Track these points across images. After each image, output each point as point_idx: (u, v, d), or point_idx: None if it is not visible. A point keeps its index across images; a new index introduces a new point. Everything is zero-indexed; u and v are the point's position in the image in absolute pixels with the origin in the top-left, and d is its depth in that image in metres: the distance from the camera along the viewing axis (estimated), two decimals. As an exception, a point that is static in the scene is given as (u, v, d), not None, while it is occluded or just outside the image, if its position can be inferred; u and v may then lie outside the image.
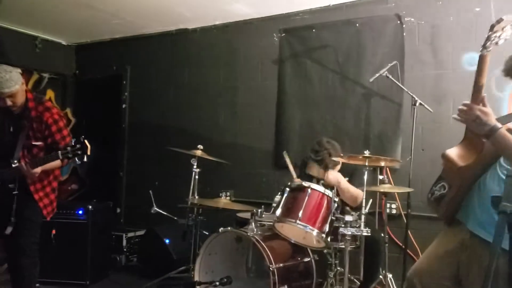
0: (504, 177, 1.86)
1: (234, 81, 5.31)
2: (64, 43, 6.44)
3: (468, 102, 1.93)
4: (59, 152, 2.93)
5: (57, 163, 3.16)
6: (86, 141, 2.91)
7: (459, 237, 2.09)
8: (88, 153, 2.92)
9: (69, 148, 2.91)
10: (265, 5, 4.82)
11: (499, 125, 1.88)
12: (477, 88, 1.92)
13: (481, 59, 1.95)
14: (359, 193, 3.65)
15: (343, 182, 3.68)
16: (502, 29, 1.86)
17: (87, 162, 2.99)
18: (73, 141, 2.93)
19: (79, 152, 2.90)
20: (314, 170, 3.89)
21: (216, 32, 5.46)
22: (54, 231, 4.27)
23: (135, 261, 5.15)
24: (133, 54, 6.10)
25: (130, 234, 5.25)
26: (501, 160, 1.99)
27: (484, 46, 1.92)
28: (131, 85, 6.14)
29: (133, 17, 5.34)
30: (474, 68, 4.11)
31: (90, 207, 4.43)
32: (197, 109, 5.53)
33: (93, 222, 4.43)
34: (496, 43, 1.90)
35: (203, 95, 5.50)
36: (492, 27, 1.89)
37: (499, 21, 1.86)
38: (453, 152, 2.12)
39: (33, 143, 3.20)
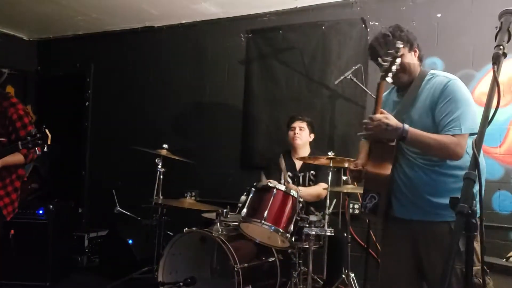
0: (421, 164, 2.15)
1: (201, 80, 5.29)
2: (25, 38, 6.26)
3: (370, 116, 2.10)
4: (19, 142, 2.84)
5: (19, 159, 3.07)
6: (47, 130, 2.83)
7: (407, 232, 2.22)
8: (49, 142, 2.84)
9: (29, 138, 2.83)
10: (232, 5, 4.82)
11: (406, 125, 2.07)
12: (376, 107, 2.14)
13: (379, 87, 2.19)
14: (319, 191, 3.77)
15: (302, 190, 3.72)
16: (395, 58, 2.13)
17: (49, 160, 2.91)
18: (34, 131, 2.86)
19: (39, 141, 2.82)
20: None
21: (183, 31, 5.43)
22: (12, 231, 4.14)
23: (97, 262, 5.05)
24: (97, 51, 5.99)
25: (92, 235, 5.16)
26: (403, 148, 2.21)
27: (385, 76, 2.15)
28: (95, 82, 6.02)
29: (97, 14, 5.25)
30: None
31: (51, 206, 4.32)
32: (163, 108, 5.48)
33: (54, 222, 4.33)
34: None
35: (169, 94, 5.46)
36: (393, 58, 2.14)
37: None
38: (370, 166, 2.29)
39: None
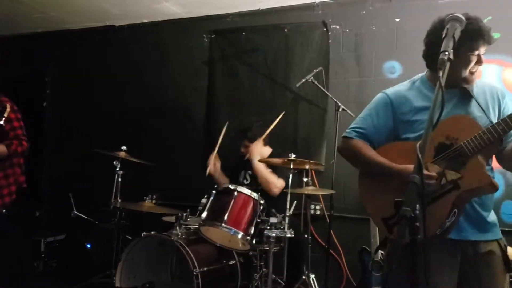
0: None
1: (163, 81, 5.22)
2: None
3: None
4: None
5: (1, 150, 3.16)
6: (8, 104, 3.00)
7: (455, 252, 1.89)
8: (5, 115, 2.95)
9: None
10: (195, 5, 4.79)
11: None
12: None
13: None
14: (272, 180, 3.78)
15: (260, 164, 3.81)
16: None
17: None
18: None
19: None
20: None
21: (145, 30, 5.35)
22: (-37, 237, 3.98)
23: (54, 267, 4.92)
24: (56, 50, 5.83)
25: (50, 239, 5.01)
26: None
27: None
28: (54, 82, 5.87)
29: (55, 12, 5.12)
30: (394, 76, 4.32)
31: (4, 210, 4.17)
32: (123, 109, 5.38)
33: (9, 226, 4.17)
34: None
35: (130, 95, 5.36)
36: None
37: None
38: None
39: None
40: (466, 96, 1.93)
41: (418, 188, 1.18)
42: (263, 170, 3.83)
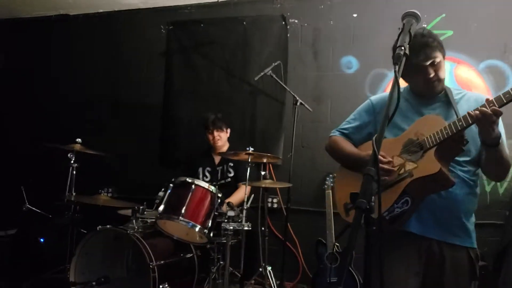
0: (463, 177, 1.89)
1: (118, 72, 5.12)
2: None
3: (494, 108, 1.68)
4: None
5: None
6: None
7: (420, 250, 1.91)
8: None
9: None
10: (152, -4, 4.72)
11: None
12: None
13: None
14: (242, 194, 3.61)
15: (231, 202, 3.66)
16: None
17: None
18: None
19: None
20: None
21: (100, 20, 5.23)
22: None
23: (5, 262, 4.74)
24: (5, 39, 5.58)
25: (0, 233, 4.83)
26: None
27: None
28: (3, 73, 5.62)
29: (5, -1, 4.93)
30: (351, 71, 4.39)
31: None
32: (78, 100, 5.22)
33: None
34: None
35: (85, 87, 5.22)
36: None
37: None
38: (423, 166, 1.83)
39: None
40: (448, 104, 1.98)
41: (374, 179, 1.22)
42: (237, 199, 3.84)
